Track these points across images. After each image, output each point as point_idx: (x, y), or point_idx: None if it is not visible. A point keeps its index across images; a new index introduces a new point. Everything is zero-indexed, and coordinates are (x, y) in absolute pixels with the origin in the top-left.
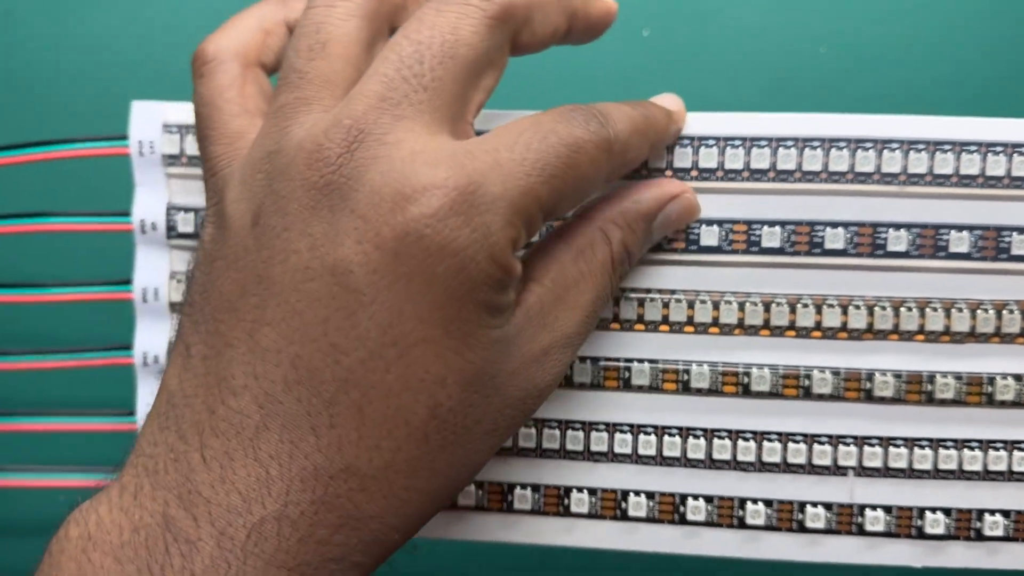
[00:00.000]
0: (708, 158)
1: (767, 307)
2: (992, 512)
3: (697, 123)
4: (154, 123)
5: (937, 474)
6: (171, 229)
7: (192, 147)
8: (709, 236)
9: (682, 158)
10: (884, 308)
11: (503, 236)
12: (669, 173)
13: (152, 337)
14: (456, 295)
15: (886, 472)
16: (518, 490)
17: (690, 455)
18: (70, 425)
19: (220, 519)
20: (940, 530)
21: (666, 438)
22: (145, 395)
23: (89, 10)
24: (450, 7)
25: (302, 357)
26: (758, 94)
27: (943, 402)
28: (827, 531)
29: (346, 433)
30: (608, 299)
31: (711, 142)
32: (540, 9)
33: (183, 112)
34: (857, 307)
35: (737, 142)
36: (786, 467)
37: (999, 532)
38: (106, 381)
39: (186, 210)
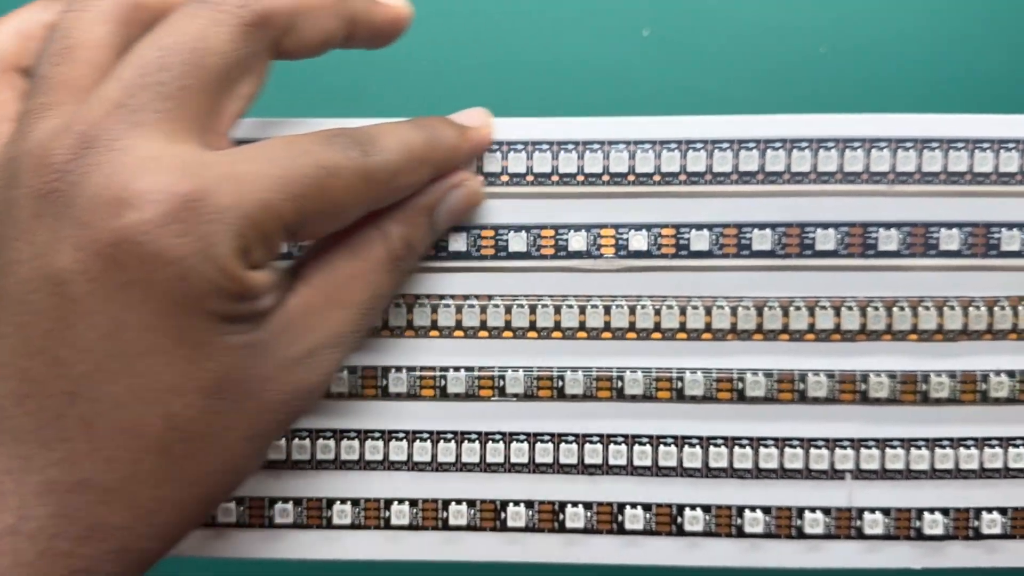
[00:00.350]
0: (696, 161)
1: (759, 311)
2: (990, 510)
3: (682, 127)
4: None
5: (934, 474)
6: None
7: None
8: (699, 240)
9: (669, 162)
10: (877, 308)
11: (229, 247)
12: (657, 178)
13: None
14: (180, 304)
15: (883, 474)
16: (511, 507)
17: (686, 464)
18: None
19: None
20: (939, 530)
21: (662, 448)
22: None
23: None
24: (202, 12)
25: (29, 371)
26: (758, 94)
27: (938, 401)
28: (826, 536)
29: (78, 446)
30: (388, 296)
31: (698, 145)
32: (307, 14)
33: None
34: (850, 308)
35: (725, 145)
36: (783, 473)
37: (997, 530)
38: None
39: None
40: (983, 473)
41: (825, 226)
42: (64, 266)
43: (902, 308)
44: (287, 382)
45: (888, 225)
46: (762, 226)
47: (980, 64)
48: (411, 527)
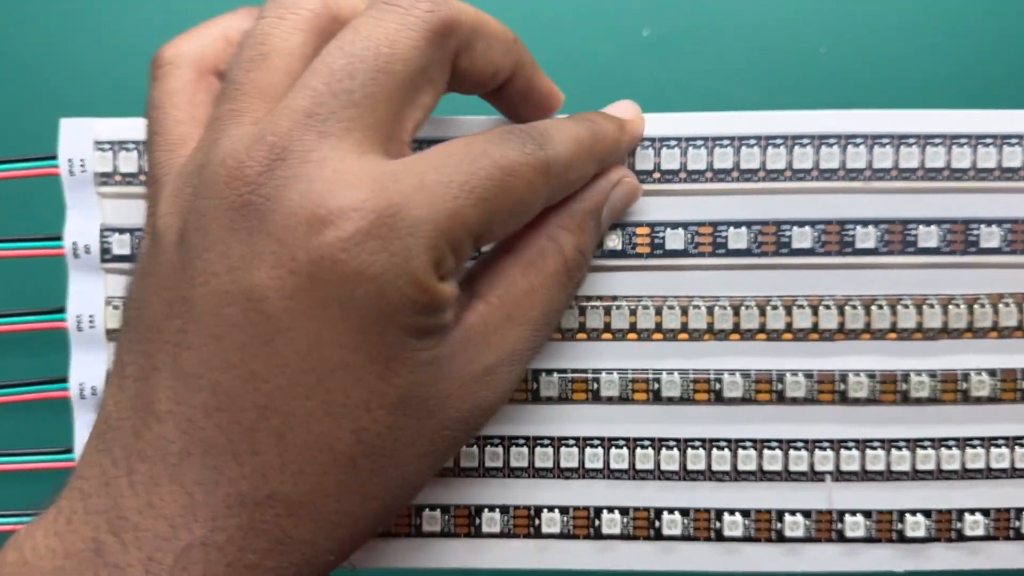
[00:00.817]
0: (670, 159)
1: (736, 311)
2: (972, 511)
3: (657, 124)
4: (84, 140)
5: (915, 475)
6: (105, 252)
7: (126, 164)
8: (675, 240)
9: (643, 160)
10: (855, 307)
11: (424, 260)
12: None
13: (89, 368)
14: (376, 320)
15: (864, 476)
16: (486, 513)
17: (664, 467)
18: (4, 466)
19: (148, 544)
20: (921, 532)
21: (638, 450)
22: (82, 430)
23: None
24: (389, 16)
25: (222, 384)
26: (758, 94)
27: (919, 401)
28: (806, 539)
29: (269, 460)
30: (562, 309)
31: (672, 143)
32: (486, 36)
33: (114, 128)
34: (828, 307)
35: (699, 142)
36: (762, 475)
37: (980, 532)
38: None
39: (121, 231)
40: (965, 474)
41: (802, 224)
42: (261, 282)
43: (881, 307)
44: (466, 399)
45: (865, 222)
46: (738, 224)
47: (981, 62)
48: (387, 534)
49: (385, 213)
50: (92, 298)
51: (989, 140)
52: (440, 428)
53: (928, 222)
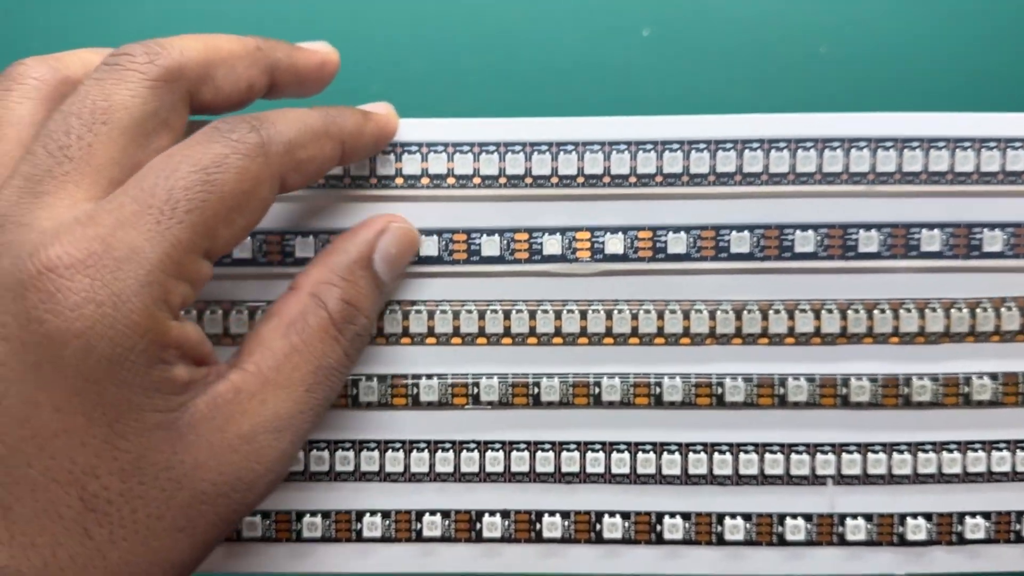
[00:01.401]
0: (673, 162)
1: (738, 315)
2: (973, 515)
3: (660, 127)
4: None
5: (917, 479)
6: None
7: None
8: (676, 244)
9: (645, 163)
10: (857, 311)
11: (140, 302)
12: (633, 179)
13: None
14: (91, 379)
15: (865, 479)
16: (487, 517)
17: (665, 471)
18: None
19: None
20: (922, 536)
21: (640, 455)
22: None
23: None
24: (109, 74)
25: None
26: (758, 95)
27: (920, 405)
28: (808, 543)
29: None
30: (340, 368)
31: (675, 146)
32: (222, 66)
33: None
34: (830, 311)
35: (702, 145)
36: (764, 479)
37: (980, 535)
38: None
39: None
40: (966, 477)
41: (804, 228)
42: None
43: (883, 310)
44: (223, 471)
45: (868, 226)
46: (740, 228)
47: (983, 64)
48: (383, 539)
49: (85, 264)
50: None
51: (993, 143)
52: (194, 501)
53: (931, 226)
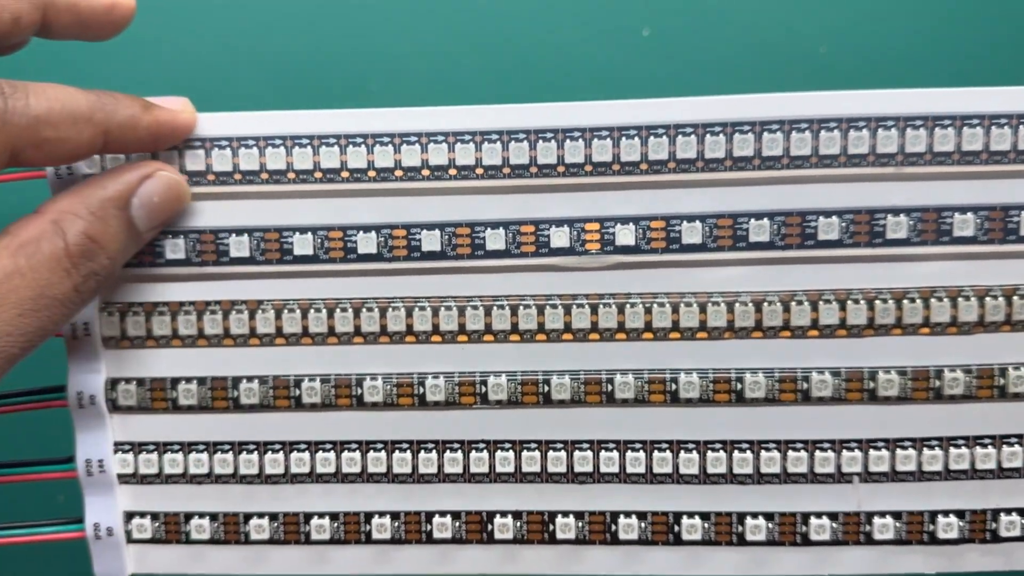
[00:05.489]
0: (686, 147)
1: (758, 307)
2: (1008, 511)
3: (672, 110)
4: None
5: (948, 475)
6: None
7: None
8: (692, 233)
9: (657, 149)
10: (885, 301)
11: None
12: (644, 166)
13: (86, 377)
14: None
15: (894, 476)
16: (498, 519)
17: (683, 471)
18: (7, 477)
19: None
20: (954, 534)
21: (656, 454)
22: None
23: None
24: None
25: None
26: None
27: (952, 398)
28: (834, 543)
29: None
30: (67, 302)
31: (688, 130)
32: None
33: None
34: (856, 301)
35: (717, 128)
36: (787, 478)
37: (1016, 532)
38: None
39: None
40: (1001, 473)
41: (828, 214)
42: None
43: (913, 300)
44: None
45: (897, 211)
46: (759, 216)
47: (985, 64)
48: (394, 541)
49: None
50: None
51: None
52: None
53: (964, 209)
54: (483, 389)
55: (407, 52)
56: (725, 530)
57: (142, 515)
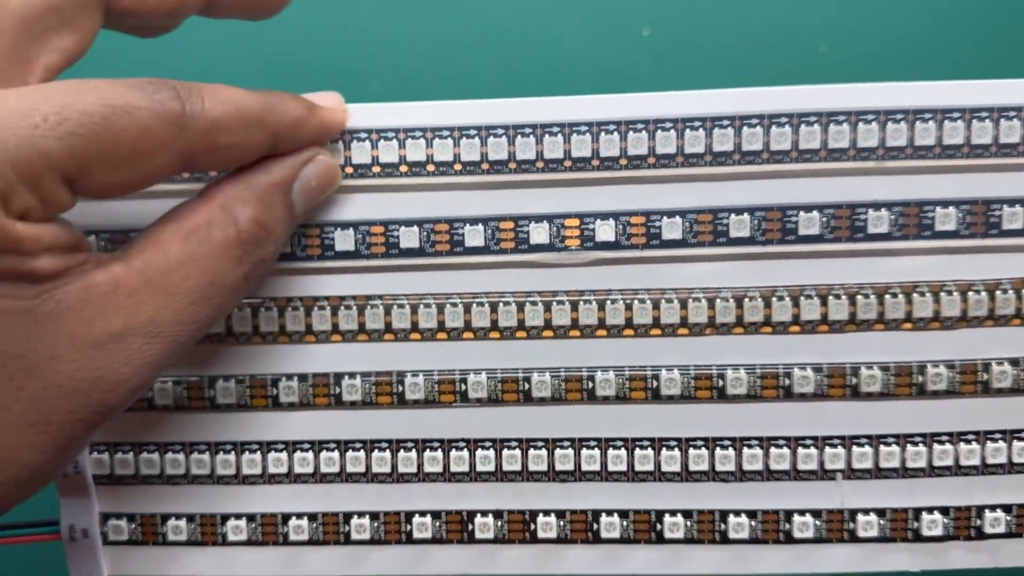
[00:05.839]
0: (666, 142)
1: (739, 303)
2: (993, 508)
3: (652, 104)
4: None
5: (932, 472)
6: None
7: None
8: (672, 229)
9: (637, 144)
10: (867, 296)
11: None
12: (624, 161)
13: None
14: None
15: (877, 473)
16: (479, 518)
17: (664, 468)
18: None
19: None
20: (938, 531)
21: (637, 451)
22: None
23: None
24: None
25: None
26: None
27: (935, 394)
28: (817, 540)
29: None
30: (234, 290)
31: (668, 124)
32: None
33: None
34: (837, 297)
35: (697, 123)
36: (769, 475)
37: (1001, 529)
38: None
39: None
40: (985, 469)
41: (809, 209)
42: None
43: (895, 295)
44: (82, 367)
45: (878, 205)
46: (740, 211)
47: (986, 64)
48: (373, 541)
49: None
50: None
51: (1012, 113)
52: (46, 395)
53: (946, 203)
54: (463, 387)
55: (402, 53)
56: (707, 528)
57: (118, 516)
